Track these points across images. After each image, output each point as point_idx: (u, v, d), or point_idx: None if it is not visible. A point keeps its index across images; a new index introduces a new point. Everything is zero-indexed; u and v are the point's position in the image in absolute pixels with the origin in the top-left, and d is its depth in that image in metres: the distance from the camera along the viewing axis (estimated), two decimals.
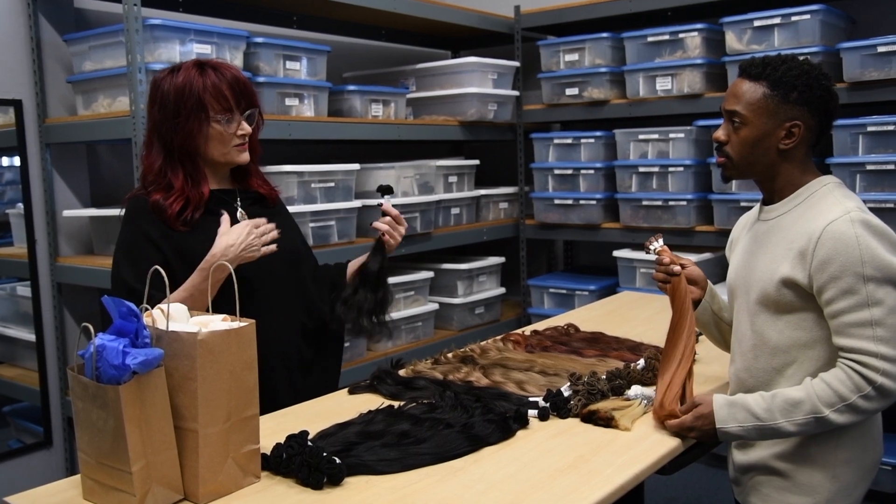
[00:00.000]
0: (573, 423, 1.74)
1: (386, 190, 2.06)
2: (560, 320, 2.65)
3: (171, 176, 1.84)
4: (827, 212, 1.60)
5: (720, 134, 1.72)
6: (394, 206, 2.07)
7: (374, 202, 3.29)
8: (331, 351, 2.13)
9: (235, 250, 1.79)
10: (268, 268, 1.91)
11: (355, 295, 1.98)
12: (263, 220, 1.87)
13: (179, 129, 1.81)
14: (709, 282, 1.91)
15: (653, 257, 1.85)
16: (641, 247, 3.71)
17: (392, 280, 3.44)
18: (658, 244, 1.83)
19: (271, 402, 1.84)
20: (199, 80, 1.81)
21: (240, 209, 1.94)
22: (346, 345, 3.23)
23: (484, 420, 1.65)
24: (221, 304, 1.61)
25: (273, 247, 1.86)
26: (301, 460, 1.43)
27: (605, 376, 1.90)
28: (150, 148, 1.87)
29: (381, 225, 2.02)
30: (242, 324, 1.42)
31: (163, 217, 1.81)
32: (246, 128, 1.87)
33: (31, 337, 3.01)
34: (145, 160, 1.89)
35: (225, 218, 1.85)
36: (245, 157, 1.90)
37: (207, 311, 1.53)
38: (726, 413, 1.60)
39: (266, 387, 1.82)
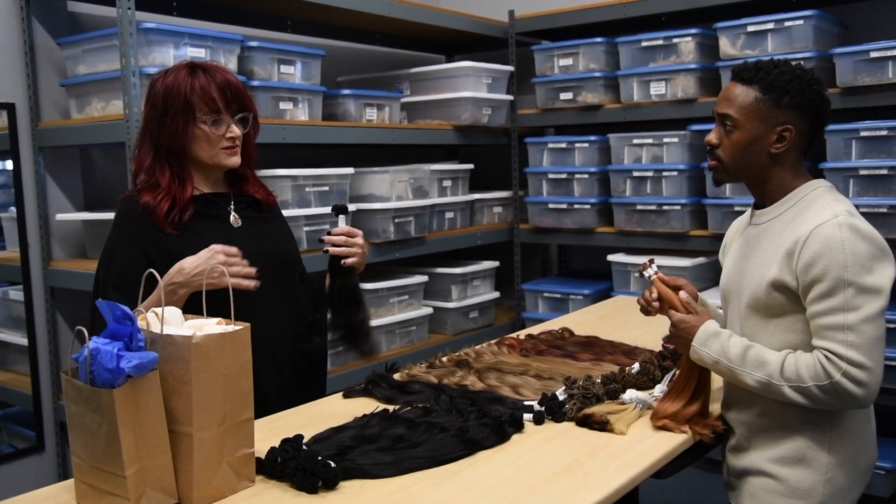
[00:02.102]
0: (568, 426, 1.74)
1: (341, 209, 2.00)
2: (554, 324, 2.66)
3: (159, 174, 1.84)
4: (816, 215, 1.62)
5: (712, 137, 1.73)
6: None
7: (368, 207, 3.29)
8: (318, 358, 2.12)
9: (188, 274, 1.70)
10: (260, 272, 1.90)
11: (334, 323, 1.99)
12: (236, 249, 1.76)
13: (166, 128, 1.82)
14: (700, 295, 1.92)
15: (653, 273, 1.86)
16: (635, 251, 3.74)
17: (386, 284, 3.45)
18: (652, 271, 1.82)
19: (263, 407, 1.83)
20: (187, 81, 1.82)
21: (233, 213, 1.94)
22: (339, 349, 3.23)
23: (479, 424, 1.65)
24: (214, 309, 1.60)
25: (249, 283, 1.73)
26: (296, 464, 1.43)
27: (599, 380, 1.90)
28: (141, 146, 1.89)
29: (335, 248, 1.95)
30: (237, 327, 1.42)
31: (153, 218, 1.81)
32: (235, 131, 1.86)
33: (24, 341, 3.00)
34: (136, 158, 1.90)
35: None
36: (234, 160, 1.89)
37: (202, 314, 1.53)
38: (705, 338, 1.67)
39: (257, 393, 1.81)
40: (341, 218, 2.00)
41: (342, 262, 1.95)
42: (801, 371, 1.57)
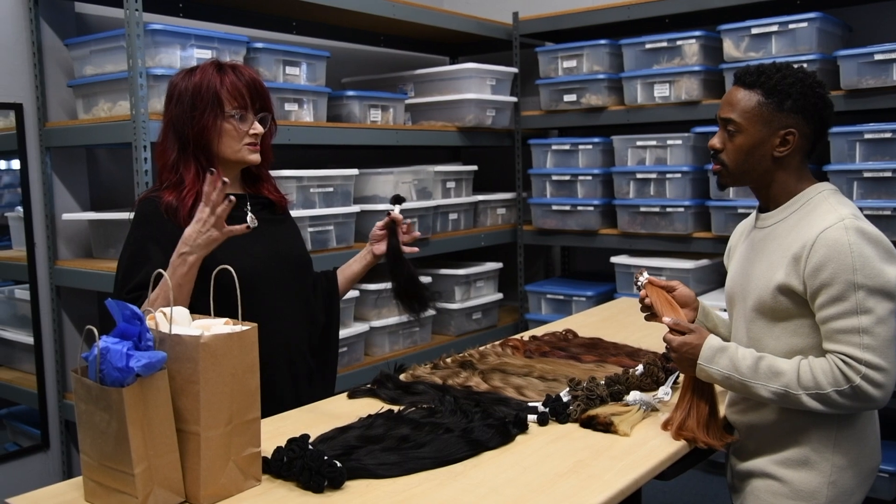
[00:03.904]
0: (572, 428, 1.74)
1: (396, 200, 2.16)
2: (558, 326, 2.66)
3: (184, 170, 1.85)
4: (822, 219, 1.62)
5: (715, 141, 1.73)
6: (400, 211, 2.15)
7: (372, 208, 3.30)
8: (330, 359, 2.13)
9: (192, 241, 1.70)
10: (274, 274, 1.92)
11: (398, 285, 2.15)
12: (221, 201, 1.72)
13: (195, 122, 1.83)
14: (700, 301, 1.92)
15: (649, 281, 1.88)
16: (638, 253, 3.75)
17: (389, 285, 3.44)
18: (643, 279, 1.86)
19: (276, 407, 1.84)
20: (216, 78, 1.85)
21: (249, 213, 1.95)
22: (344, 350, 3.24)
23: (483, 425, 1.66)
24: (225, 309, 1.61)
25: (240, 227, 1.74)
26: (302, 464, 1.44)
27: (603, 382, 1.91)
28: (165, 144, 1.89)
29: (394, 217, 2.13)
30: (245, 327, 1.43)
31: (176, 219, 1.81)
32: (258, 128, 1.89)
33: (30, 340, 3.01)
34: (160, 157, 1.90)
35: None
36: (255, 157, 1.91)
37: (210, 314, 1.54)
38: (712, 355, 1.64)
39: (271, 395, 1.82)
40: (397, 208, 2.15)
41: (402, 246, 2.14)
42: (818, 378, 1.56)
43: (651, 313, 1.84)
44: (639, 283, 1.86)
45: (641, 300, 1.84)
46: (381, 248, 2.16)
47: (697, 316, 1.90)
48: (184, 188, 1.84)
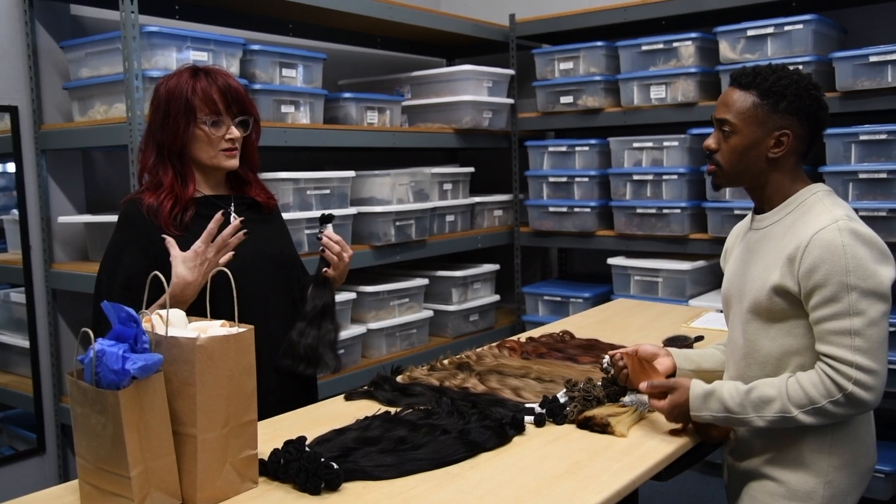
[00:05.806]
0: (569, 429, 1.75)
1: (327, 219, 1.98)
2: (555, 327, 2.67)
3: (162, 174, 1.88)
4: (816, 220, 1.62)
5: (710, 142, 1.74)
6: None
7: (369, 210, 3.30)
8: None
9: (195, 287, 1.77)
10: (258, 273, 1.91)
11: (302, 337, 1.91)
12: (224, 228, 1.80)
13: (168, 128, 1.86)
14: (669, 350, 1.91)
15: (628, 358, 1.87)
16: (635, 254, 3.75)
17: (387, 287, 3.45)
18: (606, 361, 1.88)
19: (261, 405, 1.84)
20: (189, 84, 1.86)
21: (233, 214, 1.96)
22: (342, 351, 3.24)
23: (480, 426, 1.66)
24: (218, 310, 1.61)
25: (230, 253, 1.81)
26: (299, 466, 1.44)
27: (600, 383, 1.91)
28: (146, 148, 1.93)
29: (331, 255, 1.95)
30: (241, 329, 1.43)
31: (157, 219, 1.83)
32: (234, 132, 1.89)
33: (25, 343, 3.01)
34: (141, 159, 1.94)
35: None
36: (232, 163, 1.92)
37: (206, 316, 1.54)
38: (701, 403, 1.65)
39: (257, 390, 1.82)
40: (328, 227, 1.97)
41: (324, 270, 1.95)
42: (809, 392, 1.56)
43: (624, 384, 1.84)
44: (604, 365, 1.88)
45: (614, 374, 1.85)
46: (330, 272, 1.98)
47: (678, 363, 1.88)
48: (162, 190, 1.87)
